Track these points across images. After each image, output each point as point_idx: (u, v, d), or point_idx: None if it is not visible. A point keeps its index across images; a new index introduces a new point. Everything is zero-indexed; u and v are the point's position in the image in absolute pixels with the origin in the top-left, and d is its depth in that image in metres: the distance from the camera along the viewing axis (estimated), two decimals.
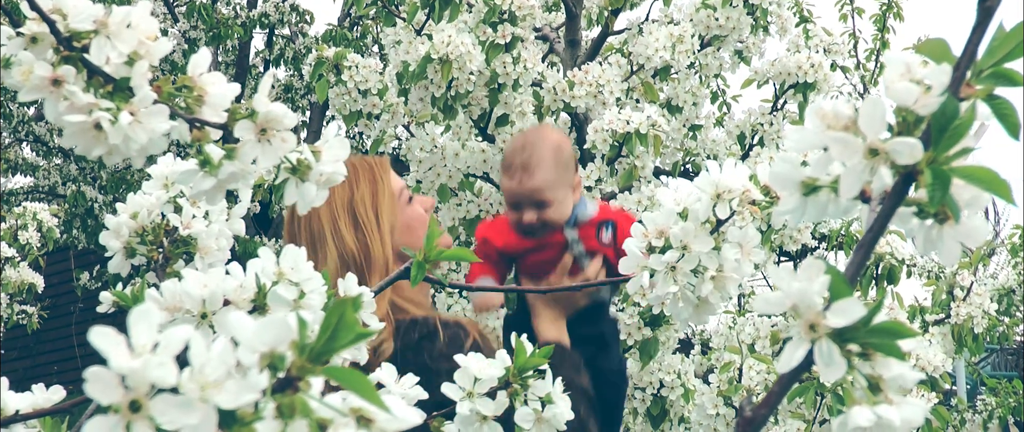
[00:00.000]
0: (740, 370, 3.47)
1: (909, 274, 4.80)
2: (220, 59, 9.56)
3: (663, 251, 1.47)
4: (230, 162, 1.08)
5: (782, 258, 6.00)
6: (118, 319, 0.78)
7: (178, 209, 1.59)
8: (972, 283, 4.08)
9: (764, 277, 7.97)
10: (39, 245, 5.45)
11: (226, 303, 1.13)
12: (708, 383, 3.46)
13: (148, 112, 1.03)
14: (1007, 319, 5.39)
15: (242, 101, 1.07)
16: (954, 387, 8.29)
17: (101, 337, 0.63)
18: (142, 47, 1.05)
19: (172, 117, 1.05)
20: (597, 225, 2.76)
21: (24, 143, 9.43)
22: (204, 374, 0.63)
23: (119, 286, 1.49)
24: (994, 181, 0.80)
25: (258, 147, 1.07)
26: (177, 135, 1.07)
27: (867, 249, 0.83)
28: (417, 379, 1.29)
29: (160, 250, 1.57)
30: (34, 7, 1.03)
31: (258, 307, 1.12)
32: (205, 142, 1.08)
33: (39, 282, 5.45)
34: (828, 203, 0.88)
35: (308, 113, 9.45)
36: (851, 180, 0.82)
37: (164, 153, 1.51)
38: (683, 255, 1.45)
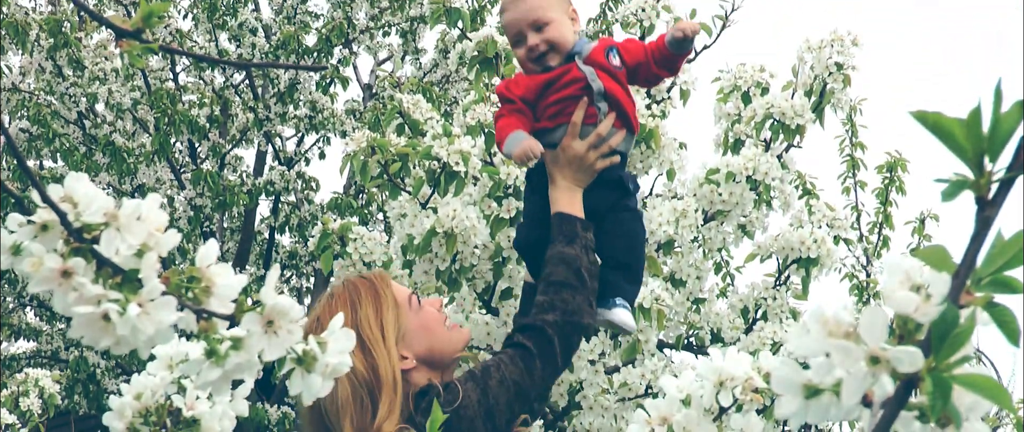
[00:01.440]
0: None
1: None
2: (226, 225, 9.61)
3: None
4: (236, 353, 1.08)
5: None
6: None
7: (182, 390, 1.60)
8: None
9: None
10: (40, 412, 5.43)
11: None
12: None
13: (156, 303, 1.04)
14: None
15: (247, 271, 1.09)
16: None
17: None
18: (151, 239, 1.06)
19: (179, 308, 1.06)
20: (604, 52, 2.76)
21: (27, 307, 9.44)
22: None
23: None
24: (994, 389, 0.80)
25: (264, 339, 1.08)
26: (184, 325, 1.08)
27: None
28: None
29: (163, 431, 1.57)
30: (45, 199, 1.04)
31: None
32: (212, 333, 1.08)
33: None
34: (830, 406, 0.88)
35: (312, 280, 9.47)
36: (853, 387, 0.83)
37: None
38: None
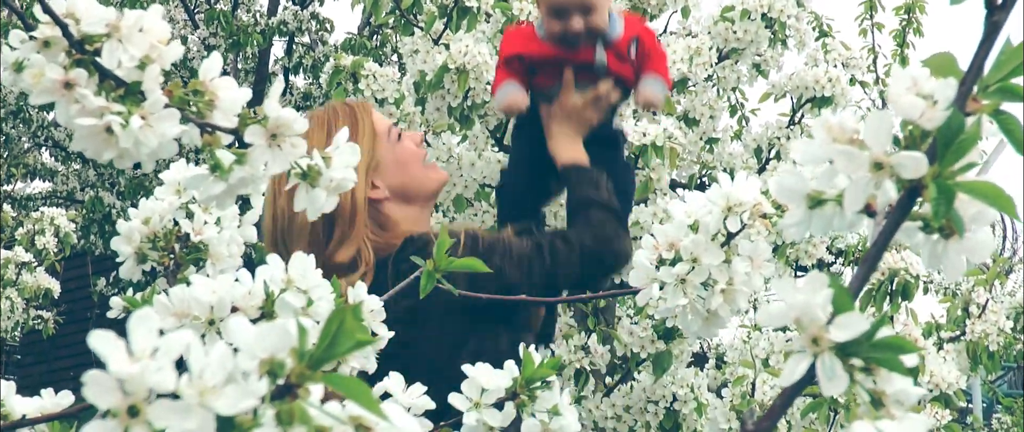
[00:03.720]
0: (753, 385, 3.47)
1: (926, 290, 4.78)
2: (239, 66, 9.57)
3: (673, 264, 1.47)
4: (240, 167, 1.08)
5: (798, 273, 5.98)
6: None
7: (190, 215, 1.60)
8: (987, 300, 4.06)
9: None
10: (56, 250, 5.48)
11: (234, 310, 1.14)
12: (721, 397, 3.45)
13: (159, 116, 1.04)
14: None
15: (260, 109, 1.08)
16: (970, 405, 8.27)
17: (101, 341, 0.63)
18: (154, 51, 1.05)
19: (183, 121, 1.06)
20: (627, 44, 2.75)
21: (43, 148, 9.47)
22: (203, 380, 0.64)
23: (132, 292, 1.49)
24: (999, 196, 0.80)
25: (268, 152, 1.08)
26: (188, 140, 1.08)
27: (871, 263, 0.83)
28: (425, 389, 1.29)
29: (171, 256, 1.57)
30: (47, 10, 1.03)
31: (266, 314, 1.13)
32: (216, 147, 1.08)
33: (55, 287, 5.47)
34: (833, 216, 0.88)
35: None
36: (856, 193, 0.82)
37: (177, 158, 1.52)
38: (693, 268, 1.45)
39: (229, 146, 1.09)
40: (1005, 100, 0.82)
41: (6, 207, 7.20)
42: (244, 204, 1.50)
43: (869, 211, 0.84)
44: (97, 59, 1.03)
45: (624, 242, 2.56)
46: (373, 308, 1.24)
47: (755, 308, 4.85)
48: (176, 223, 1.60)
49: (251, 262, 1.41)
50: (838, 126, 0.83)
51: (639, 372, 3.39)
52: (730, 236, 1.47)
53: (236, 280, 1.16)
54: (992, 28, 0.80)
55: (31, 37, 1.06)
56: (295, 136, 1.07)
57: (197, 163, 1.20)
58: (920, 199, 0.82)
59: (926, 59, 0.84)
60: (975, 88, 0.81)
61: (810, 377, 0.80)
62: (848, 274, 5.89)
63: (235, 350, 0.66)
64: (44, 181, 9.61)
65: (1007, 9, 0.80)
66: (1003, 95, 0.81)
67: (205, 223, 1.59)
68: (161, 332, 0.66)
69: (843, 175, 0.83)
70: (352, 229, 2.35)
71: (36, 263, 5.35)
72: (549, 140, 2.73)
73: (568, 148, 2.70)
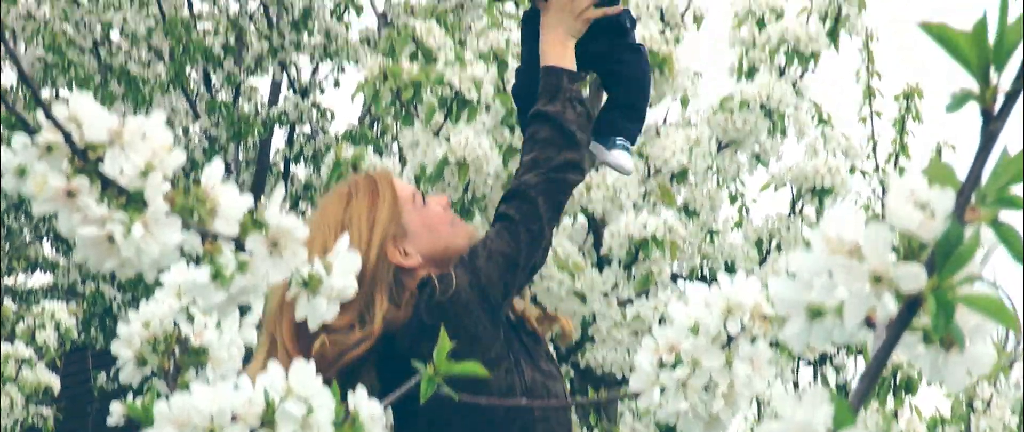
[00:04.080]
0: None
1: (930, 383, 4.78)
2: (240, 157, 9.61)
3: (674, 367, 1.46)
4: (241, 276, 1.08)
5: (801, 365, 5.96)
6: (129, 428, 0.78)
7: (191, 318, 1.60)
8: (992, 395, 4.05)
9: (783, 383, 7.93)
10: (56, 345, 5.46)
11: (234, 419, 1.13)
12: None
13: (161, 224, 1.04)
14: None
15: (260, 202, 1.08)
16: None
17: None
18: (156, 158, 1.06)
19: (185, 228, 1.06)
20: None
21: (44, 240, 9.47)
22: None
23: (131, 395, 1.49)
24: (999, 309, 0.80)
25: (269, 260, 1.08)
26: (189, 247, 1.08)
27: (872, 378, 0.83)
28: None
29: (171, 359, 1.57)
30: (49, 117, 1.04)
31: (266, 423, 1.12)
32: (217, 254, 1.08)
33: (55, 384, 5.43)
34: (833, 328, 0.88)
35: None
36: (855, 307, 0.82)
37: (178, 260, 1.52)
38: (694, 371, 1.45)
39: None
40: (1003, 208, 0.82)
41: (7, 301, 7.18)
42: (244, 305, 1.50)
43: (869, 323, 0.84)
44: (99, 167, 1.03)
45: (570, 155, 2.55)
46: (374, 415, 1.23)
47: (758, 407, 4.84)
48: (176, 326, 1.60)
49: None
50: (836, 238, 0.83)
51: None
52: (730, 339, 1.47)
53: (236, 386, 1.16)
54: (989, 137, 0.81)
55: (34, 142, 1.06)
56: (296, 243, 1.07)
57: (198, 264, 1.21)
58: (920, 310, 0.82)
59: (924, 169, 0.84)
60: (973, 198, 0.81)
61: None
62: (851, 365, 5.87)
63: None
64: (45, 273, 9.61)
65: (1003, 119, 0.81)
66: (1001, 205, 0.82)
67: (205, 326, 1.59)
68: None
69: (843, 288, 0.83)
70: (366, 292, 2.33)
71: (37, 358, 5.33)
72: (541, 39, 2.71)
73: (553, 48, 2.68)
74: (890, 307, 0.81)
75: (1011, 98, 0.80)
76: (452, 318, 2.30)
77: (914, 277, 0.79)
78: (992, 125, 0.82)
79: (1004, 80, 0.81)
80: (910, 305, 0.81)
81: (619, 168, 2.69)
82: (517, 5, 4.05)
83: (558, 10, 2.68)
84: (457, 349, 1.43)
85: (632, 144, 2.72)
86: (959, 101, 0.82)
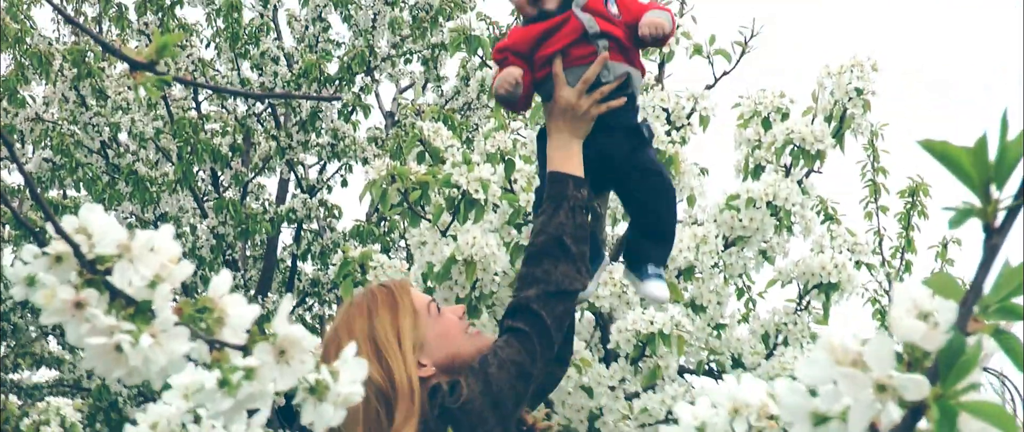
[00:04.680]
0: None
1: None
2: (248, 253, 9.64)
3: None
4: (248, 383, 1.09)
5: None
6: None
7: (198, 419, 1.60)
8: None
9: None
10: None
11: None
12: None
13: (168, 334, 1.05)
14: None
15: (269, 298, 1.09)
16: None
17: None
18: (164, 270, 1.07)
19: (192, 338, 1.07)
20: (604, 1, 2.72)
21: (49, 336, 9.47)
22: None
23: None
24: (1001, 416, 0.81)
25: (276, 369, 1.09)
26: (197, 355, 1.09)
27: None
28: None
29: None
30: (59, 231, 1.05)
31: None
32: (224, 363, 1.09)
33: None
34: None
35: (334, 307, 9.48)
36: (860, 414, 0.83)
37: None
38: None
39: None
40: (1005, 319, 0.83)
41: (12, 397, 7.17)
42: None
43: (874, 429, 0.85)
44: (108, 278, 1.04)
45: (566, 267, 2.55)
46: None
47: None
48: (184, 427, 1.60)
49: None
50: (841, 348, 0.84)
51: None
52: None
53: None
54: (991, 251, 0.82)
55: (44, 253, 1.07)
56: (303, 352, 1.08)
57: (207, 367, 1.21)
58: (924, 417, 0.83)
59: (927, 279, 0.85)
60: (976, 309, 0.82)
61: None
62: None
63: None
64: (50, 369, 9.60)
65: (1004, 233, 0.82)
66: (1003, 315, 0.83)
67: (212, 427, 1.59)
68: None
69: (847, 396, 0.84)
70: (413, 406, 2.33)
71: None
72: (548, 143, 2.71)
73: (557, 152, 2.67)
74: (894, 415, 0.82)
75: (1012, 213, 0.82)
76: (463, 426, 2.30)
77: (917, 387, 0.80)
78: (994, 239, 0.83)
79: (1005, 195, 0.82)
80: (914, 413, 0.82)
81: (654, 299, 2.69)
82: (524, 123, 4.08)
83: (561, 113, 2.69)
84: None
85: (665, 266, 2.72)
86: (961, 216, 0.83)
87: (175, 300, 1.07)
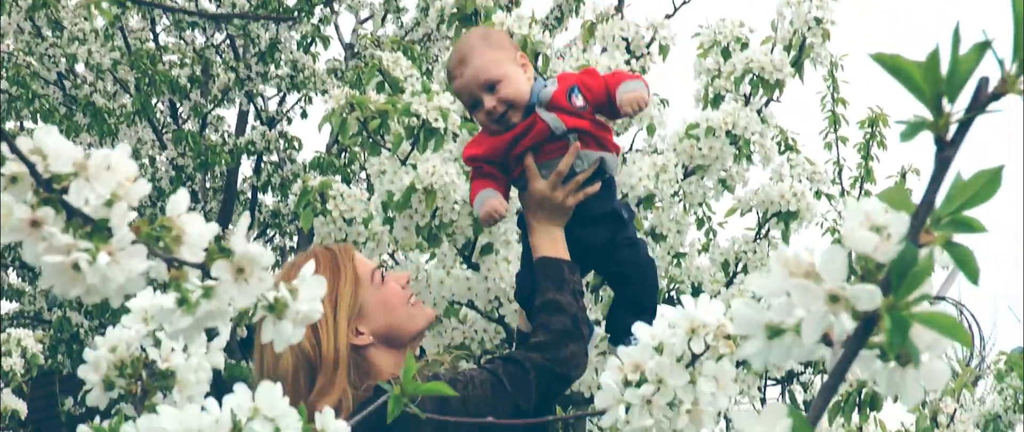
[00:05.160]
0: None
1: (896, 400, 4.80)
2: (208, 186, 9.60)
3: (639, 385, 1.48)
4: (207, 301, 1.09)
5: (768, 383, 5.98)
6: None
7: (157, 343, 1.60)
8: (956, 410, 4.08)
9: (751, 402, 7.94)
10: (23, 371, 5.44)
11: None
12: None
13: (126, 252, 1.04)
14: None
15: (228, 230, 1.09)
16: None
17: None
18: (121, 189, 1.06)
19: (150, 256, 1.06)
20: (566, 94, 2.72)
21: (9, 269, 9.43)
22: None
23: (98, 419, 1.49)
24: (952, 327, 0.81)
25: (235, 286, 1.09)
26: (155, 274, 1.09)
27: (829, 393, 0.84)
28: None
29: (139, 383, 1.57)
30: (13, 150, 1.04)
31: None
32: (182, 281, 1.09)
33: (22, 409, 5.42)
34: (792, 346, 0.89)
35: (295, 239, 9.47)
36: (813, 325, 0.84)
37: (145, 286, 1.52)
38: (658, 389, 1.46)
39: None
40: (958, 231, 0.83)
41: None
42: (211, 330, 1.50)
43: (827, 340, 0.85)
44: (64, 197, 1.04)
45: (576, 349, 2.54)
46: None
47: (727, 424, 4.85)
48: (143, 350, 1.60)
49: (220, 387, 1.41)
50: (794, 260, 0.85)
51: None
52: (695, 357, 1.48)
53: (203, 409, 1.17)
54: (942, 163, 0.82)
55: None
56: (261, 270, 1.08)
57: (164, 290, 1.21)
58: (876, 328, 0.84)
59: (880, 193, 0.86)
60: (928, 221, 0.83)
61: None
62: (818, 383, 5.89)
63: None
64: (11, 302, 9.56)
65: (956, 146, 0.82)
66: (955, 227, 0.83)
67: (172, 350, 1.59)
68: None
69: (801, 308, 0.84)
70: (334, 378, 2.31)
71: (3, 385, 5.31)
72: (529, 234, 2.71)
73: (543, 241, 2.68)
74: (847, 325, 0.82)
75: (964, 126, 0.82)
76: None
77: (870, 297, 0.81)
78: (946, 152, 0.83)
79: (957, 109, 0.82)
80: (866, 323, 0.83)
81: None
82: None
83: (537, 205, 2.71)
84: None
85: None
86: (912, 129, 0.83)
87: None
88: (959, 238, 0.84)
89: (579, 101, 2.72)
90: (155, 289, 1.62)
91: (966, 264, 0.84)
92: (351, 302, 2.40)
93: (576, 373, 2.54)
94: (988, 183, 0.82)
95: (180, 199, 1.10)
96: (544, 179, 2.70)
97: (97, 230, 1.04)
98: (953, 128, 0.83)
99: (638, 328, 1.53)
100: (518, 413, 2.38)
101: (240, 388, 1.18)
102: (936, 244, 0.83)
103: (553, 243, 2.68)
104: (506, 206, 2.71)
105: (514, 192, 3.02)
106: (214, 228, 1.09)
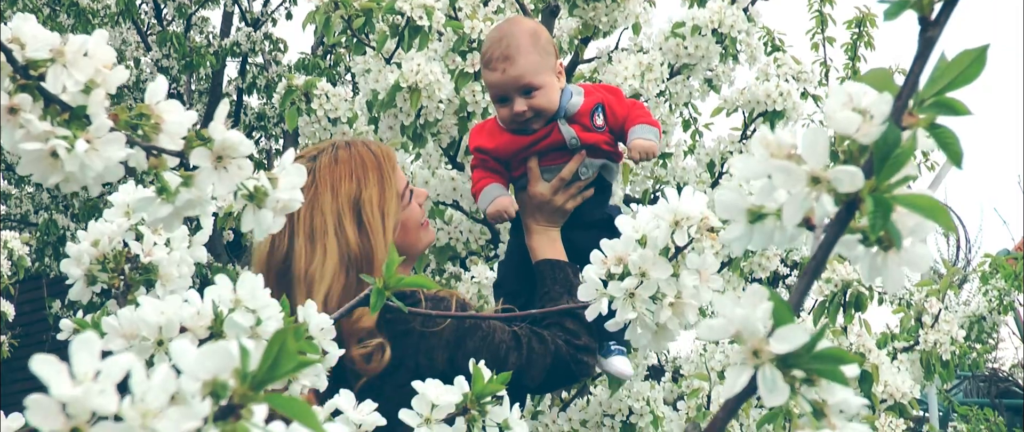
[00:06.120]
0: (709, 397, 3.48)
1: (880, 301, 4.82)
2: (193, 87, 9.55)
3: (622, 278, 1.48)
4: (187, 189, 1.08)
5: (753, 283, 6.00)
6: None
7: (140, 237, 1.60)
8: (940, 310, 4.10)
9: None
10: (10, 274, 5.44)
11: (183, 330, 1.14)
12: (677, 410, 3.45)
13: (104, 140, 1.03)
14: (979, 346, 5.42)
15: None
16: (925, 414, 8.32)
17: (43, 365, 0.64)
18: (99, 75, 1.05)
19: (129, 145, 1.06)
20: (590, 112, 2.73)
21: None
22: (145, 402, 0.64)
23: (85, 313, 1.49)
24: (934, 209, 0.81)
25: (215, 174, 1.08)
26: (135, 163, 1.08)
27: (811, 276, 0.84)
28: (375, 405, 1.28)
29: (121, 277, 1.57)
30: None
31: (215, 334, 1.13)
32: (162, 170, 1.08)
33: (10, 311, 5.43)
34: (774, 230, 0.89)
35: (280, 141, 9.45)
36: (794, 208, 0.83)
37: (126, 181, 1.52)
38: (642, 282, 1.46)
39: (176, 168, 1.09)
40: (941, 114, 0.83)
41: None
42: (195, 225, 1.50)
43: (809, 224, 0.85)
44: (41, 84, 1.02)
45: (591, 361, 2.55)
46: (323, 327, 1.24)
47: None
48: (126, 245, 1.59)
49: (203, 282, 1.40)
50: (776, 142, 0.84)
51: (595, 386, 3.39)
52: (678, 250, 1.48)
53: (185, 300, 1.16)
54: (926, 44, 0.81)
55: None
56: (241, 158, 1.07)
57: (146, 185, 1.20)
58: (858, 212, 0.83)
59: (863, 74, 0.85)
60: (911, 103, 0.82)
61: (752, 389, 0.80)
62: None
63: (179, 372, 0.66)
64: None
65: (940, 25, 0.81)
66: (938, 109, 0.82)
67: (155, 244, 1.59)
68: (105, 355, 0.66)
69: (782, 190, 0.84)
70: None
71: None
72: (526, 235, 2.72)
73: (542, 243, 2.68)
74: (828, 207, 0.82)
75: (948, 5, 0.81)
76: (418, 343, 2.29)
77: (851, 178, 0.80)
78: (929, 31, 0.82)
79: None
80: (848, 206, 0.82)
81: (620, 375, 2.68)
82: None
83: (537, 208, 2.70)
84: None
85: (627, 350, 2.72)
86: (897, 8, 0.82)
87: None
88: (942, 120, 0.84)
89: (600, 120, 2.71)
90: (137, 183, 1.61)
91: (949, 146, 0.83)
92: (396, 218, 2.40)
93: (583, 376, 2.55)
94: (973, 64, 0.81)
95: (159, 87, 1.09)
96: (545, 182, 2.69)
97: (75, 117, 1.03)
98: (937, 7, 0.82)
99: (621, 221, 1.53)
100: (518, 387, 2.38)
101: (221, 279, 1.18)
102: (919, 126, 0.82)
103: (552, 245, 2.69)
104: (516, 207, 2.70)
105: None
106: (192, 116, 1.08)
